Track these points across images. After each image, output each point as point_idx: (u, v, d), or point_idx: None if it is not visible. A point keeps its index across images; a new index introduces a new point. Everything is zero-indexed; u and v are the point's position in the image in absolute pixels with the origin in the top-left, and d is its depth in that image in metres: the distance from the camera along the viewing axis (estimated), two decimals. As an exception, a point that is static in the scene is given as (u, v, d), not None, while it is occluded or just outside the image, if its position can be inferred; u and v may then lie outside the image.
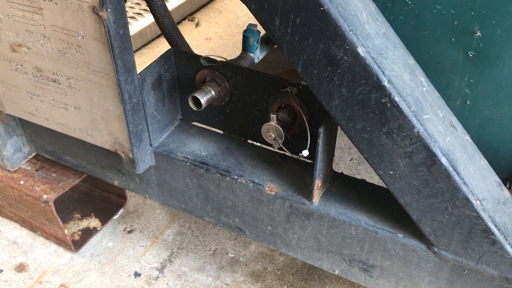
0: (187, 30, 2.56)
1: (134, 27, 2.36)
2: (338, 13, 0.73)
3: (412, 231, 0.93)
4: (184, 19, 2.65)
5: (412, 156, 0.81)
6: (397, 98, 0.76)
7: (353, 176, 1.30)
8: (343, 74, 0.78)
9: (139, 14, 2.44)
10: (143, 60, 2.33)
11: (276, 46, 1.37)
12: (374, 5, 0.82)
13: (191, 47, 2.43)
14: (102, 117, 1.06)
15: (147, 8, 2.47)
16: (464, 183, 0.80)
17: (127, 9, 2.48)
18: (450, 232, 0.86)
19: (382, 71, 0.76)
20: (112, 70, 0.96)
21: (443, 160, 0.79)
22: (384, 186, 1.03)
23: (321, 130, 0.88)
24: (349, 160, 1.82)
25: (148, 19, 2.41)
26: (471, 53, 0.88)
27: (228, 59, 2.46)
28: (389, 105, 0.77)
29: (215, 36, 2.53)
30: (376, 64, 0.76)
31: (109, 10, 0.88)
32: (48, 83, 1.08)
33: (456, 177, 0.80)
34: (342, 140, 1.88)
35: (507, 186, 1.08)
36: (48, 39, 1.00)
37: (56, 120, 1.15)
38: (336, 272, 1.07)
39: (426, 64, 0.93)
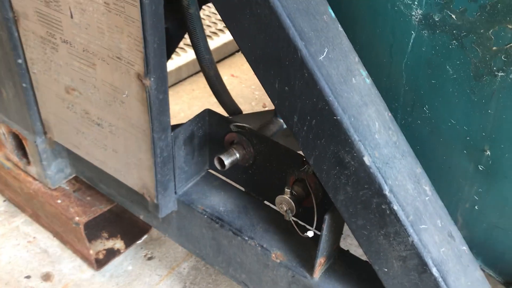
0: (224, 72, 2.65)
1: (171, 64, 2.44)
2: (349, 123, 0.79)
3: (402, 324, 0.97)
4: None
5: (406, 261, 0.85)
6: (395, 207, 0.81)
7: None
8: (349, 176, 0.84)
9: (175, 53, 2.51)
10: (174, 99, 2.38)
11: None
12: (389, 114, 0.87)
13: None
14: (135, 163, 1.16)
15: (183, 46, 2.55)
16: (452, 295, 0.84)
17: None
18: (435, 335, 0.89)
19: (385, 181, 0.81)
20: (148, 128, 1.06)
21: (434, 270, 0.83)
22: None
23: (326, 217, 0.94)
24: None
25: (183, 58, 2.48)
26: (481, 167, 0.91)
27: (252, 102, 2.49)
28: (388, 212, 0.82)
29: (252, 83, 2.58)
30: (380, 173, 0.81)
31: (152, 79, 0.98)
32: (93, 125, 1.19)
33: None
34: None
35: (510, 289, 1.10)
36: (98, 90, 1.11)
37: (96, 156, 1.26)
38: None
39: (439, 167, 0.97)
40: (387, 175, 0.81)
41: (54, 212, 1.50)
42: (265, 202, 1.25)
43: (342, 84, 0.80)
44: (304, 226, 1.16)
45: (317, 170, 0.88)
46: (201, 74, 2.55)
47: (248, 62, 0.87)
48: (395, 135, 0.86)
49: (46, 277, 1.55)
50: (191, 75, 2.54)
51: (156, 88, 1.00)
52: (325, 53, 0.79)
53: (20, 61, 1.24)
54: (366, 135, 0.81)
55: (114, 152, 1.20)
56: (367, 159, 0.80)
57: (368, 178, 0.81)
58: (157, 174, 1.13)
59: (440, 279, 0.83)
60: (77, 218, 1.43)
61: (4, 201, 1.77)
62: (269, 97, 0.87)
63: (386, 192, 0.81)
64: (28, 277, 1.54)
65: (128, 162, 1.18)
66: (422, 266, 0.83)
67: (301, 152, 1.09)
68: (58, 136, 1.34)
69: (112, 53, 1.01)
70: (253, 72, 0.88)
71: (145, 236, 1.70)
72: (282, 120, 1.29)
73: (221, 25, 2.74)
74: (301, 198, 1.08)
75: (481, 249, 1.06)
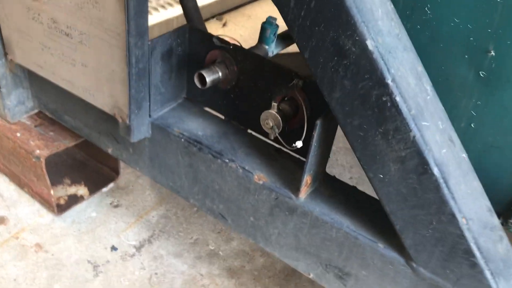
0: (213, 28, 2.58)
1: (162, 15, 2.39)
2: (353, 2, 0.73)
3: (393, 244, 0.91)
4: (212, 17, 2.67)
5: (405, 162, 0.79)
6: (398, 98, 0.75)
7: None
8: (348, 66, 0.77)
9: (169, 4, 2.47)
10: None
11: (290, 45, 1.37)
12: (392, 5, 0.81)
13: (214, 44, 2.44)
14: (106, 78, 1.06)
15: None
16: (453, 198, 0.78)
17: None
18: (431, 248, 0.83)
19: (388, 69, 0.75)
20: (123, 30, 0.96)
21: (435, 170, 0.77)
22: (375, 196, 1.01)
23: (318, 122, 0.87)
24: (348, 178, 1.79)
25: (177, 10, 2.44)
26: (482, 73, 0.86)
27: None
28: (389, 104, 0.76)
29: (240, 39, 2.52)
30: (382, 60, 0.74)
31: (131, -32, 0.88)
32: (61, 36, 1.08)
33: (445, 190, 0.78)
34: (344, 158, 1.87)
35: (500, 221, 1.05)
36: (68, -9, 1.00)
37: (62, 76, 1.15)
38: (311, 276, 1.05)
39: (435, 79, 0.92)
40: (389, 64, 0.75)
41: (12, 148, 1.38)
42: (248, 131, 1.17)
43: (345, -39, 0.74)
44: (287, 152, 1.09)
45: (312, 65, 0.81)
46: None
47: None
48: (397, 27, 0.80)
49: (0, 220, 1.42)
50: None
51: (136, -19, 0.91)
52: None
53: (-20, -35, 1.13)
54: (369, 19, 0.74)
55: (84, 67, 1.09)
56: (370, 44, 0.74)
57: (370, 66, 0.75)
58: (131, 88, 1.03)
59: (441, 180, 0.77)
60: (37, 151, 1.32)
61: (-44, 145, 1.62)
62: (263, -19, 0.80)
63: (389, 80, 0.75)
64: (-21, 220, 1.41)
65: (99, 77, 1.08)
66: (423, 166, 0.77)
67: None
68: (21, 57, 1.22)
69: None
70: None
71: (111, 185, 1.59)
72: (266, 47, 1.21)
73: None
74: (288, 116, 1.00)
75: (473, 175, 1.02)
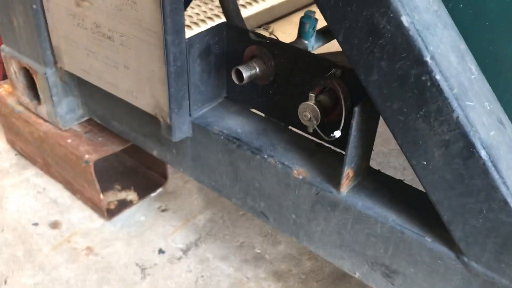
0: (260, 37, 2.59)
1: (195, 31, 2.43)
2: (385, -23, 0.70)
3: (442, 237, 0.85)
4: (259, 27, 2.68)
5: (449, 146, 0.74)
6: (438, 77, 0.71)
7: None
8: (384, 46, 0.74)
9: (210, 18, 2.51)
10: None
11: (330, 40, 1.34)
12: (429, -19, 0.77)
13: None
14: (147, 78, 1.08)
15: (211, 16, 2.53)
16: (504, 183, 0.72)
17: (192, 15, 2.59)
18: (483, 239, 0.77)
19: (426, 46, 0.71)
20: (160, 28, 0.97)
21: (482, 153, 0.71)
22: (422, 189, 0.95)
23: (356, 109, 0.84)
24: (400, 181, 1.72)
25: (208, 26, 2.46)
26: (534, 50, 0.80)
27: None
28: (429, 84, 0.72)
29: (286, 46, 2.53)
30: (420, 37, 0.70)
31: (165, -35, 0.90)
32: (104, 40, 1.11)
33: (495, 175, 0.72)
34: (397, 160, 1.80)
35: None
36: (109, -6, 1.03)
37: (107, 79, 1.18)
38: (357, 275, 1.00)
39: (483, 62, 0.86)
40: (427, 40, 0.71)
41: (64, 154, 1.43)
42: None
43: None
44: (328, 146, 1.06)
45: (347, 48, 0.78)
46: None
47: None
48: (436, 4, 0.76)
49: (54, 225, 1.47)
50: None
51: (170, -22, 0.92)
52: None
53: (30, -22, 1.19)
54: (404, -5, 0.71)
55: (126, 69, 1.11)
56: (405, 20, 0.70)
57: (406, 44, 0.71)
58: (170, 87, 1.04)
59: (489, 164, 0.71)
60: (87, 156, 1.35)
61: (16, 154, 1.71)
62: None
63: (427, 58, 0.70)
64: (35, 224, 1.46)
65: (140, 78, 1.10)
66: (469, 149, 0.72)
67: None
68: (69, 64, 1.27)
69: None
70: None
71: (160, 190, 1.61)
72: (306, 41, 1.19)
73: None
74: (327, 108, 0.97)
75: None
